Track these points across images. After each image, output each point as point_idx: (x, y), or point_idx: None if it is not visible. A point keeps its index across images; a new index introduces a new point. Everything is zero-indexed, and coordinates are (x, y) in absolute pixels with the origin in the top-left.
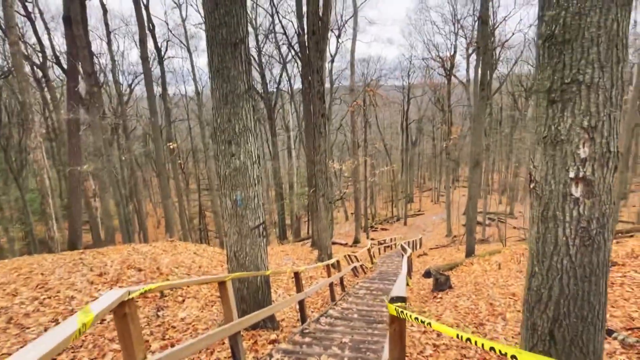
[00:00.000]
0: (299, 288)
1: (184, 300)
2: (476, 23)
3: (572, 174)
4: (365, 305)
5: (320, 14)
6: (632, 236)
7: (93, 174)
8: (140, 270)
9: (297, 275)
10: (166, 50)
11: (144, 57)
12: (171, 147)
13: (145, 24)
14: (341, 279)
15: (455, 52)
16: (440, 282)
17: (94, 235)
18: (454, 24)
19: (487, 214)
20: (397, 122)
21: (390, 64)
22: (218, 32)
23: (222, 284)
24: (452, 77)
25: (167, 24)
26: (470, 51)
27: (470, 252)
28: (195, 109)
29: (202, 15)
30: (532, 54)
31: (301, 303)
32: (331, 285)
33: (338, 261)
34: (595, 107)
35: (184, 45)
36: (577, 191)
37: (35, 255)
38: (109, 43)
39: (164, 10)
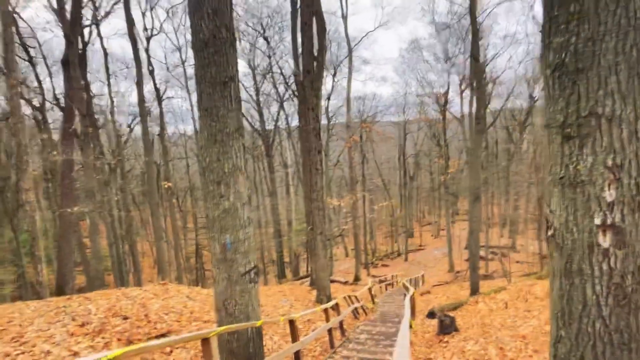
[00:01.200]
0: (295, 337)
1: (171, 351)
2: (467, 61)
3: (598, 221)
4: (367, 352)
5: (315, 54)
6: None
7: (89, 215)
8: (126, 318)
9: (292, 323)
10: (165, 90)
11: (141, 98)
12: (166, 186)
13: (145, 66)
14: (341, 323)
15: (448, 88)
16: (446, 325)
17: (87, 277)
18: (446, 62)
19: (489, 248)
20: (394, 157)
21: (386, 101)
22: (207, 71)
23: (205, 341)
24: (447, 113)
25: (167, 65)
26: (463, 87)
27: (474, 290)
28: (193, 148)
29: None
30: (523, 90)
31: (297, 355)
32: (330, 330)
33: (337, 303)
34: (619, 143)
35: (183, 85)
36: (605, 241)
37: (18, 303)
38: (109, 85)
39: (164, 53)
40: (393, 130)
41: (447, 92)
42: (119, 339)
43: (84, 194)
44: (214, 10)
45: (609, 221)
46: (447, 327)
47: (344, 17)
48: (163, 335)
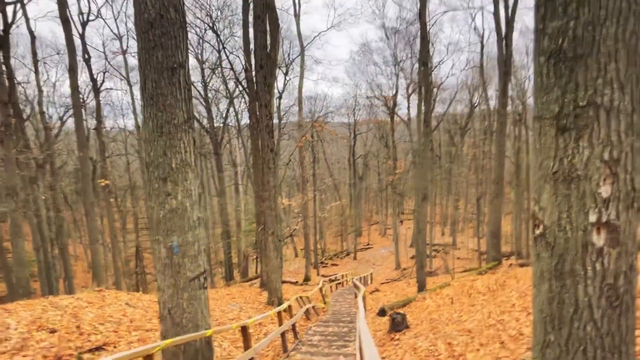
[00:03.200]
0: (247, 345)
1: None
2: (414, 66)
3: (593, 218)
4: (321, 355)
5: (268, 49)
6: None
7: (10, 216)
8: (53, 331)
9: (244, 330)
10: (103, 81)
11: (74, 87)
12: (103, 184)
13: (80, 52)
14: (293, 325)
15: (397, 92)
16: (397, 322)
17: (9, 286)
18: (395, 66)
19: (433, 246)
20: (344, 157)
21: (337, 102)
22: (152, 55)
23: (148, 358)
24: (395, 115)
25: (105, 55)
26: (410, 91)
27: (421, 287)
28: (135, 144)
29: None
30: (464, 96)
31: None
32: (283, 334)
33: (290, 306)
34: (616, 135)
35: (124, 77)
36: (599, 239)
37: None
38: (37, 72)
39: (102, 41)
40: (344, 130)
41: (395, 95)
42: (44, 356)
43: (4, 192)
44: None
45: (604, 218)
46: (398, 325)
47: (297, 16)
48: (97, 349)
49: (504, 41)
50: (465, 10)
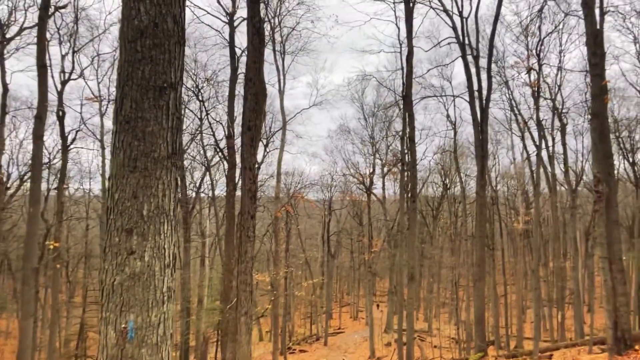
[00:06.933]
0: None
1: None
2: (390, 147)
3: None
4: None
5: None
6: (551, 356)
7: None
8: None
9: None
10: (74, 139)
11: (38, 135)
12: (52, 246)
13: (55, 109)
14: None
15: (374, 170)
16: None
17: None
18: (372, 146)
19: (406, 332)
20: (316, 234)
21: (313, 178)
22: (137, 69)
23: None
24: (371, 194)
25: (82, 116)
26: (385, 171)
27: None
28: (97, 208)
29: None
30: (437, 179)
31: None
32: None
33: None
34: None
35: (98, 139)
36: None
37: None
38: (2, 123)
39: (80, 101)
40: (318, 206)
41: (372, 174)
42: None
43: None
44: None
45: None
46: None
47: (281, 92)
48: None
49: (479, 127)
50: (438, 99)
